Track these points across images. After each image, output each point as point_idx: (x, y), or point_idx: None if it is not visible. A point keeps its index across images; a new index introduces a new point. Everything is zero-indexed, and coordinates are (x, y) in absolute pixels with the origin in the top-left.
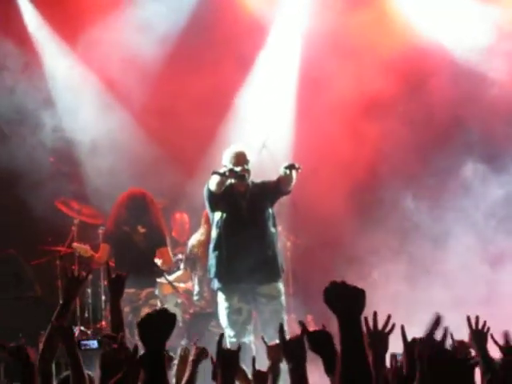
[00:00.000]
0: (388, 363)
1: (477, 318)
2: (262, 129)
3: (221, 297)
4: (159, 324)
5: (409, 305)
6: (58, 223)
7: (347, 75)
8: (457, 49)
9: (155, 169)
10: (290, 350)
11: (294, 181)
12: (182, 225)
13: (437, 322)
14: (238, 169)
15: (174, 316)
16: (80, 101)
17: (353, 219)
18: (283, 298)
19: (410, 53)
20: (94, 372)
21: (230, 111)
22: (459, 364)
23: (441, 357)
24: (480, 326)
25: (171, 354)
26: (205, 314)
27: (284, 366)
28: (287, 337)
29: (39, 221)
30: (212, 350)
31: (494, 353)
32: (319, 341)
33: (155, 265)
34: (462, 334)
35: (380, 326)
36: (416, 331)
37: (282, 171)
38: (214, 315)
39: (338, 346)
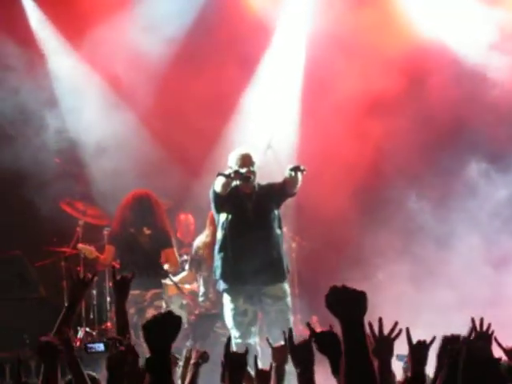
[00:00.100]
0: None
1: (481, 320)
2: (266, 129)
3: (226, 298)
4: (165, 327)
5: (413, 306)
6: (63, 224)
7: (352, 75)
8: (460, 49)
9: (160, 169)
10: (298, 355)
11: (300, 183)
12: (187, 226)
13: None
14: (243, 170)
15: (179, 319)
16: (85, 101)
17: (357, 220)
18: (289, 299)
19: (414, 53)
20: (98, 374)
21: (235, 112)
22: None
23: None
24: (484, 328)
25: (176, 355)
26: (210, 315)
27: (288, 368)
28: (295, 341)
29: (44, 222)
30: (217, 351)
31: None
32: (326, 342)
33: (160, 266)
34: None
35: (385, 330)
36: (420, 333)
37: (287, 173)
38: (219, 316)
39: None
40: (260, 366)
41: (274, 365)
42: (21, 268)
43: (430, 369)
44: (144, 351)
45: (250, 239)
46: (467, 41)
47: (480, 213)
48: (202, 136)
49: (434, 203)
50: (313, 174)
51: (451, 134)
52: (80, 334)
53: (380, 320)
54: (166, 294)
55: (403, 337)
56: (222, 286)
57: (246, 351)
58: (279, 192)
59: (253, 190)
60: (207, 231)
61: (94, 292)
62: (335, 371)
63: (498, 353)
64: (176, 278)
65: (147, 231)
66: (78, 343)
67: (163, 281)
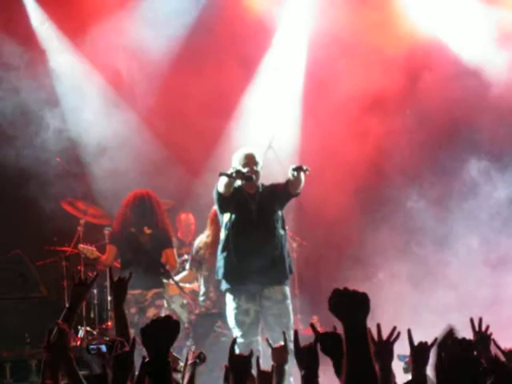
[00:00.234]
0: None
1: (480, 320)
2: (267, 129)
3: (229, 297)
4: (163, 331)
5: (413, 306)
6: (64, 223)
7: (352, 75)
8: (460, 48)
9: (161, 169)
10: (302, 357)
11: (303, 183)
12: (188, 225)
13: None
14: (244, 170)
15: (177, 323)
16: (86, 101)
17: (357, 219)
18: (289, 301)
19: (414, 52)
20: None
21: (236, 112)
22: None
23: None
24: (483, 328)
25: (177, 355)
26: (210, 315)
27: (288, 368)
28: (298, 343)
29: (45, 221)
30: (218, 350)
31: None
32: (330, 343)
33: (161, 266)
34: (466, 335)
35: (385, 330)
36: (421, 333)
37: (290, 174)
38: (220, 315)
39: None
40: (262, 365)
41: (273, 365)
42: (22, 267)
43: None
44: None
45: (253, 239)
46: (467, 40)
47: (480, 212)
48: (202, 136)
49: (434, 202)
50: (313, 173)
51: (451, 133)
52: (81, 333)
53: (378, 326)
54: (167, 294)
55: (404, 336)
56: (224, 285)
57: (251, 354)
58: (283, 192)
59: (256, 191)
60: (208, 231)
61: (95, 291)
62: (338, 372)
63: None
64: (177, 278)
65: (148, 231)
66: (78, 342)
67: (164, 280)
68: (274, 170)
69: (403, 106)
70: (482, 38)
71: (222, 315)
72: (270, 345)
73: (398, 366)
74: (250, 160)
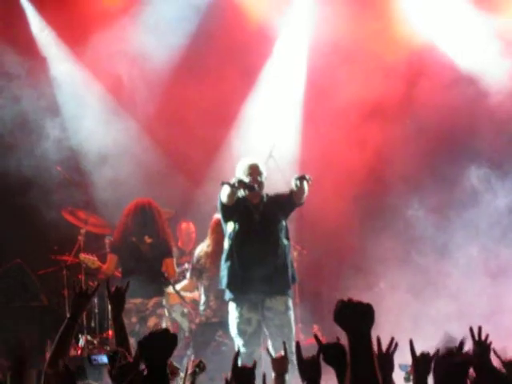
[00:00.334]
0: None
1: (479, 329)
2: (268, 138)
3: (231, 306)
4: (161, 344)
5: (414, 315)
6: (65, 232)
7: (352, 83)
8: (461, 57)
9: (162, 178)
10: (305, 369)
11: (307, 192)
12: (188, 234)
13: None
14: (246, 180)
15: (175, 336)
16: (86, 110)
17: (358, 228)
18: (291, 312)
19: (414, 60)
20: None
21: (237, 120)
22: None
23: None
24: (483, 337)
25: (177, 365)
26: (211, 324)
27: (288, 378)
28: (301, 354)
29: (46, 230)
30: (218, 360)
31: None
32: (333, 354)
33: (162, 274)
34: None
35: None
36: (422, 343)
37: (293, 184)
38: (220, 325)
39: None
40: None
41: (274, 375)
42: (22, 276)
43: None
44: None
45: (256, 249)
46: (466, 48)
47: (481, 221)
48: (203, 144)
49: (434, 211)
50: (313, 181)
51: (451, 141)
52: (81, 343)
53: (378, 339)
54: (168, 303)
55: (404, 345)
56: (227, 295)
57: (254, 365)
58: (287, 202)
59: (260, 200)
60: (208, 240)
61: (96, 300)
62: (342, 383)
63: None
64: (177, 287)
65: (148, 240)
66: (79, 351)
67: (165, 289)
68: (275, 179)
69: (403, 114)
70: (481, 45)
71: (222, 324)
72: (270, 355)
73: (399, 376)
74: (254, 170)
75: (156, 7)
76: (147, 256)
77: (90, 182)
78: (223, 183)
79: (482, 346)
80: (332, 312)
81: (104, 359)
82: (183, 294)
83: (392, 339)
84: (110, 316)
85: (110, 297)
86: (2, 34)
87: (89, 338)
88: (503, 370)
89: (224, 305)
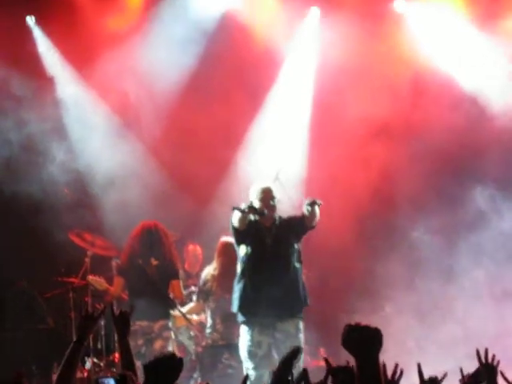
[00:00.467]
0: None
1: (486, 351)
2: (275, 160)
3: (243, 329)
4: (166, 369)
5: (420, 339)
6: (72, 255)
7: (359, 104)
8: (467, 78)
9: (168, 199)
10: None
11: (318, 216)
12: (195, 256)
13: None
14: (257, 205)
15: (180, 361)
16: (93, 131)
17: (364, 249)
18: (301, 335)
19: (420, 82)
20: None
21: (244, 142)
22: None
23: None
24: (490, 360)
25: None
26: (217, 347)
27: None
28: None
29: (53, 252)
30: (225, 382)
31: None
32: (342, 377)
33: (168, 297)
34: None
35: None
36: (428, 369)
37: (304, 209)
38: (227, 347)
39: None
40: None
41: None
42: (28, 299)
43: None
44: None
45: (268, 272)
46: (473, 70)
47: (487, 242)
48: (210, 165)
49: (440, 233)
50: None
51: (457, 162)
52: (88, 365)
53: (384, 366)
54: (175, 325)
55: (411, 368)
56: (239, 318)
57: None
58: (299, 225)
59: (273, 223)
60: (215, 264)
61: (102, 322)
62: None
63: None
64: (184, 309)
65: (155, 262)
66: (85, 374)
67: (172, 312)
68: (281, 202)
69: (409, 135)
70: (487, 68)
71: (229, 347)
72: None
73: None
74: (266, 194)
75: (163, 29)
76: (154, 278)
77: (97, 204)
78: (234, 208)
79: (489, 368)
80: (338, 335)
81: (111, 383)
82: (190, 316)
83: (396, 365)
84: (116, 338)
85: (115, 320)
86: (9, 56)
87: (95, 360)
88: None
89: (230, 328)
